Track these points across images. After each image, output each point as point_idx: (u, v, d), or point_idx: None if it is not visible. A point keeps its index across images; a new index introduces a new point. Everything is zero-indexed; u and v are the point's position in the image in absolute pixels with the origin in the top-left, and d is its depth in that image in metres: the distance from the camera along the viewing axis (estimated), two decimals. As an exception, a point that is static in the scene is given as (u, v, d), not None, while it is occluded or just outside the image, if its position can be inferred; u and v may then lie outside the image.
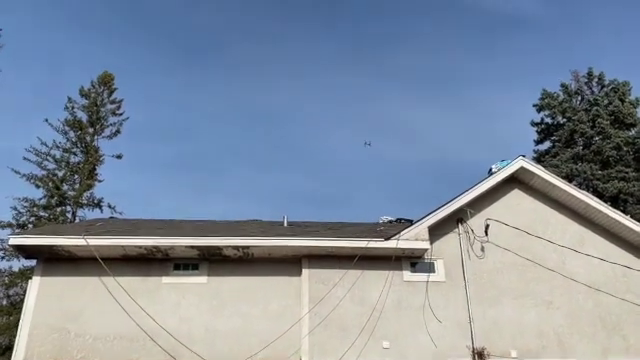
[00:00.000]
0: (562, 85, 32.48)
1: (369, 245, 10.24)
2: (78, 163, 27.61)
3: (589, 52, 57.90)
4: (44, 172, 26.70)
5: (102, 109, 29.18)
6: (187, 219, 13.19)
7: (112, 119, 29.34)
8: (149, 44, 64.18)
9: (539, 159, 30.07)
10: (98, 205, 27.05)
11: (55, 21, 59.06)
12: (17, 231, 23.43)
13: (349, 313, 10.10)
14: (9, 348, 19.66)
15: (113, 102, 29.74)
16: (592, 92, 31.99)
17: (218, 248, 10.15)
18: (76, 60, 53.39)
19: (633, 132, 29.24)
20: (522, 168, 11.61)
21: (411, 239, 10.35)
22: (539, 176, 11.57)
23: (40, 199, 26.10)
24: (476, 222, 11.12)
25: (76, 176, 27.29)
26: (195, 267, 10.44)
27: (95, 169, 27.80)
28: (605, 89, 31.30)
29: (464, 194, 11.07)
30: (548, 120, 32.11)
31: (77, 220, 25.69)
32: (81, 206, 26.74)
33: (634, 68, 51.10)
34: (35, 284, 9.98)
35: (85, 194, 26.89)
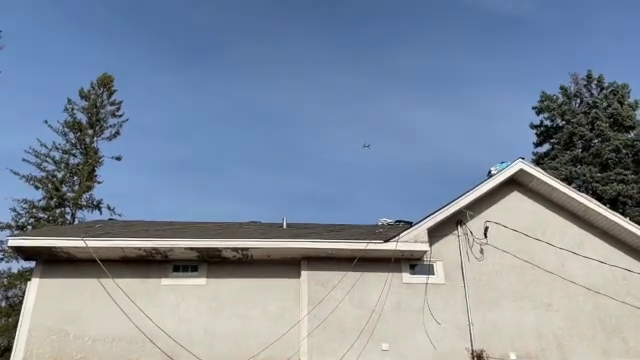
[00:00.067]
0: (561, 87, 32.51)
1: (368, 247, 10.25)
2: (77, 164, 27.62)
3: (589, 55, 58.05)
4: (43, 173, 26.73)
5: (102, 111, 29.23)
6: (186, 220, 13.20)
7: (112, 120, 29.44)
8: (149, 44, 64.28)
9: (538, 161, 30.08)
10: (97, 207, 27.06)
11: (55, 21, 59.13)
12: (16, 232, 23.43)
13: (348, 315, 10.10)
14: (8, 350, 19.63)
15: (113, 104, 29.80)
16: (591, 95, 32.01)
17: (217, 250, 10.15)
18: (76, 60, 53.43)
19: (632, 135, 29.23)
20: (521, 170, 11.63)
21: (410, 241, 10.36)
22: (538, 178, 11.59)
23: (39, 200, 26.13)
24: (475, 224, 11.14)
25: (75, 177, 27.28)
26: (194, 269, 10.43)
27: (94, 170, 27.81)
28: (604, 92, 31.33)
29: (463, 196, 11.09)
30: (547, 122, 32.14)
31: (76, 222, 25.67)
32: (80, 208, 26.75)
33: (634, 71, 51.26)
34: (34, 286, 9.98)
35: (84, 195, 26.89)
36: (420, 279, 10.55)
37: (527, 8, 60.20)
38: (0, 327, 23.33)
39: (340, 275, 10.30)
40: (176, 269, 10.41)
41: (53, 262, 10.12)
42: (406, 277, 10.57)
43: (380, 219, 14.22)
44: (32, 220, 25.49)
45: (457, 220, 11.15)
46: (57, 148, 27.56)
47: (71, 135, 28.16)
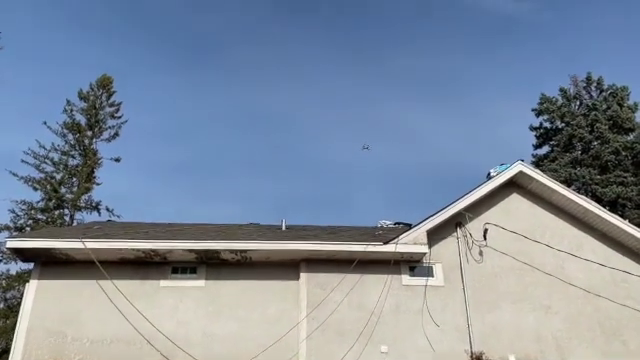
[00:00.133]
0: (561, 90, 32.57)
1: (367, 249, 10.23)
2: (76, 166, 27.60)
3: (589, 57, 58.03)
4: (42, 175, 26.74)
5: (101, 112, 29.24)
6: (185, 222, 13.18)
7: (111, 122, 29.45)
8: (149, 45, 64.12)
9: (538, 163, 30.11)
10: (96, 208, 27.06)
11: (55, 21, 59.08)
12: (15, 234, 23.40)
13: (347, 317, 10.08)
14: (6, 351, 19.56)
15: (112, 105, 29.82)
16: (591, 97, 32.06)
17: (216, 252, 10.13)
18: (76, 60, 53.37)
19: (631, 137, 29.28)
20: (521, 172, 11.62)
21: (410, 243, 10.35)
22: (538, 180, 11.59)
23: (38, 202, 26.14)
24: (475, 226, 11.13)
25: (74, 179, 27.27)
26: (193, 271, 10.41)
27: (93, 172, 27.80)
28: (604, 94, 31.38)
29: (463, 198, 11.08)
30: (547, 125, 32.20)
31: (75, 223, 25.64)
32: (79, 209, 26.72)
33: (633, 73, 51.29)
34: (32, 287, 9.95)
35: (83, 197, 26.88)
36: (419, 281, 10.54)
37: (527, 9, 60.27)
38: (-2, 329, 23.28)
39: (339, 277, 10.28)
40: (175, 271, 10.38)
41: (51, 264, 10.09)
42: (405, 279, 10.55)
43: (379, 221, 14.21)
44: (31, 221, 25.47)
45: (456, 222, 11.14)
46: (56, 149, 27.60)
47: (70, 136, 28.21)
